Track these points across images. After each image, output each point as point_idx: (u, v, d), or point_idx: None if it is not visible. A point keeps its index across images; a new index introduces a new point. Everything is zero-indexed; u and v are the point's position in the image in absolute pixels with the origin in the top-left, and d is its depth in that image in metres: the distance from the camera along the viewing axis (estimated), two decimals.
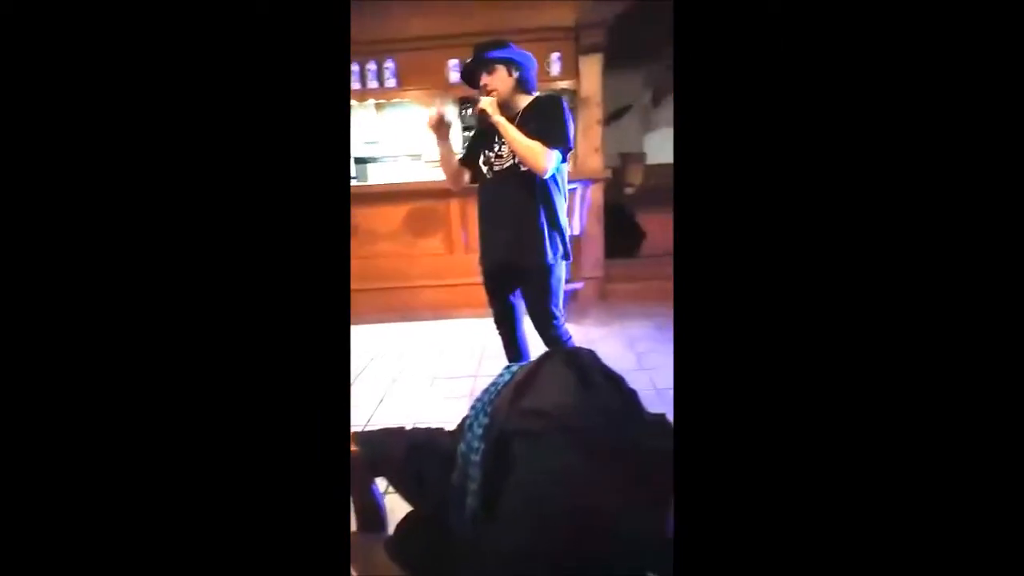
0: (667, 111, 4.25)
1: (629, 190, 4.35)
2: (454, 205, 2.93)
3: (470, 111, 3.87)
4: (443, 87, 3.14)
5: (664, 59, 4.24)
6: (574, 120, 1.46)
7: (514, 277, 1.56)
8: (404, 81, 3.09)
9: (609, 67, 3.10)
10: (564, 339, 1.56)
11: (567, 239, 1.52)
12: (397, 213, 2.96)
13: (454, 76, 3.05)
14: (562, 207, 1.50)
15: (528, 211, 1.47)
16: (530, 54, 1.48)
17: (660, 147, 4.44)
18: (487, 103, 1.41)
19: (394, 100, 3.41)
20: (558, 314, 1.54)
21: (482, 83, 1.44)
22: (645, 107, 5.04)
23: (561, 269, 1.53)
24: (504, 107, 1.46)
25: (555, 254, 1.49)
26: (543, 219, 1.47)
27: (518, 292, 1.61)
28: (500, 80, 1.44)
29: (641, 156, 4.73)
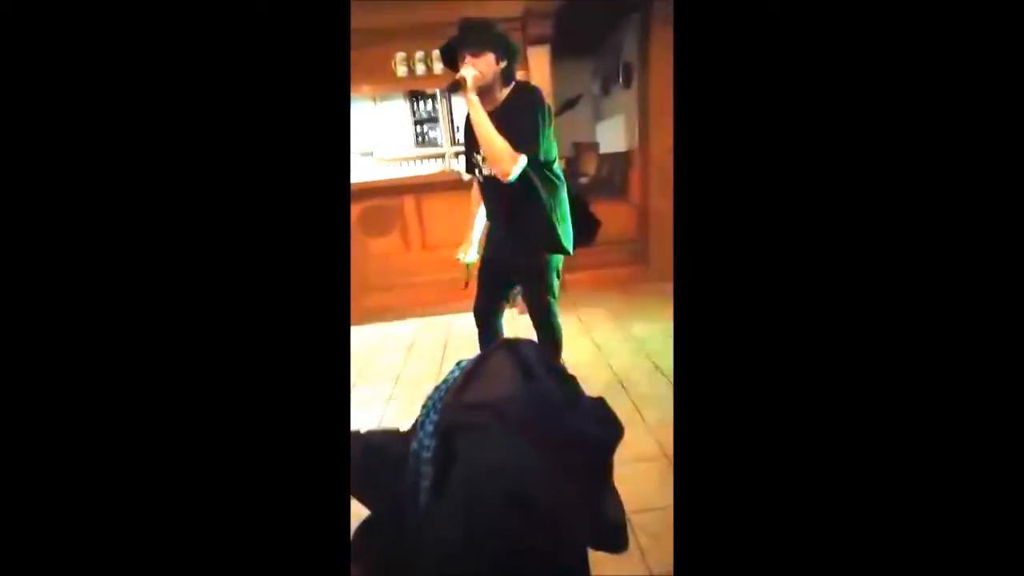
0: (617, 100, 4.33)
1: (583, 179, 4.41)
2: (408, 202, 2.89)
3: (423, 102, 3.78)
4: (391, 81, 3.08)
5: (610, 48, 4.31)
6: (547, 116, 1.38)
7: (513, 271, 1.56)
8: (351, 76, 3.00)
9: (557, 57, 3.12)
10: (556, 325, 1.59)
11: (564, 233, 1.49)
12: (350, 212, 2.89)
13: (402, 70, 2.99)
14: (561, 201, 1.47)
15: (525, 208, 1.44)
16: (515, 44, 1.41)
17: (612, 136, 4.52)
18: (469, 74, 1.30)
19: None
20: (554, 303, 1.57)
21: (466, 62, 1.33)
22: (595, 97, 5.12)
23: (559, 262, 1.53)
24: (485, 96, 1.37)
25: (555, 249, 1.48)
26: (542, 215, 1.44)
27: (508, 289, 1.62)
28: (486, 64, 1.33)
29: (594, 145, 4.80)
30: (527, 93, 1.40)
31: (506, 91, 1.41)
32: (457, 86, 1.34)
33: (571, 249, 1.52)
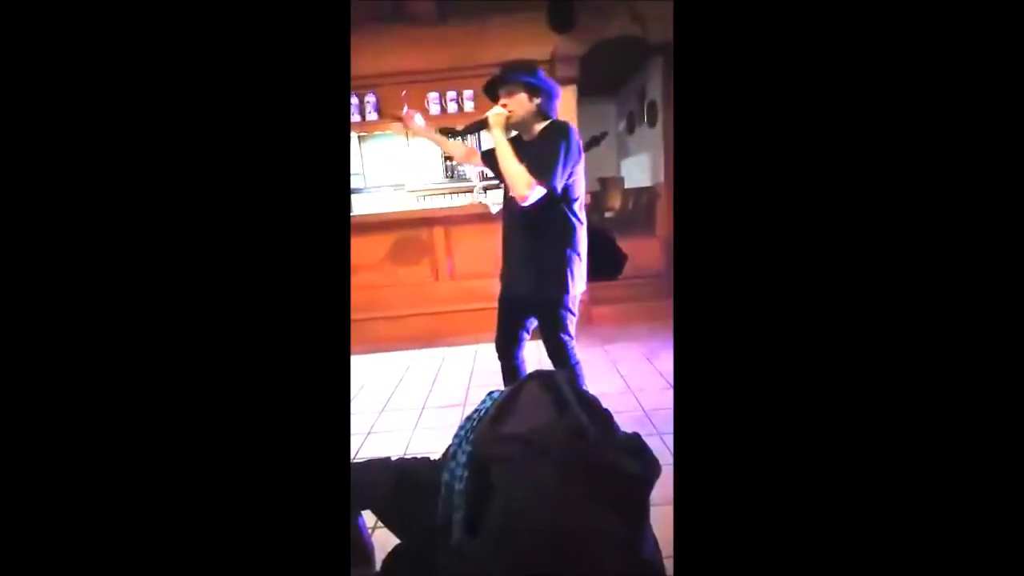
0: (641, 137, 4.40)
1: (609, 214, 4.45)
2: (438, 232, 2.96)
3: (454, 138, 3.95)
4: (425, 118, 3.22)
5: (634, 86, 4.42)
6: (572, 152, 1.43)
7: (527, 306, 1.60)
8: (385, 114, 3.16)
9: (584, 97, 3.22)
10: (572, 362, 1.60)
11: (577, 270, 1.52)
12: (382, 243, 2.98)
13: (434, 109, 3.13)
14: (576, 242, 1.51)
15: (539, 245, 1.49)
16: (555, 84, 1.50)
17: (637, 171, 4.57)
18: (494, 114, 1.43)
19: (375, 133, 3.48)
20: (568, 340, 1.58)
21: (500, 101, 1.46)
22: (620, 134, 5.22)
23: (573, 299, 1.55)
24: (522, 130, 1.49)
25: (567, 285, 1.50)
26: (554, 254, 1.48)
27: (527, 323, 1.64)
28: (518, 103, 1.45)
29: (619, 180, 4.86)
30: (556, 128, 1.47)
31: (541, 126, 1.49)
32: (483, 124, 1.45)
33: (578, 292, 1.53)
